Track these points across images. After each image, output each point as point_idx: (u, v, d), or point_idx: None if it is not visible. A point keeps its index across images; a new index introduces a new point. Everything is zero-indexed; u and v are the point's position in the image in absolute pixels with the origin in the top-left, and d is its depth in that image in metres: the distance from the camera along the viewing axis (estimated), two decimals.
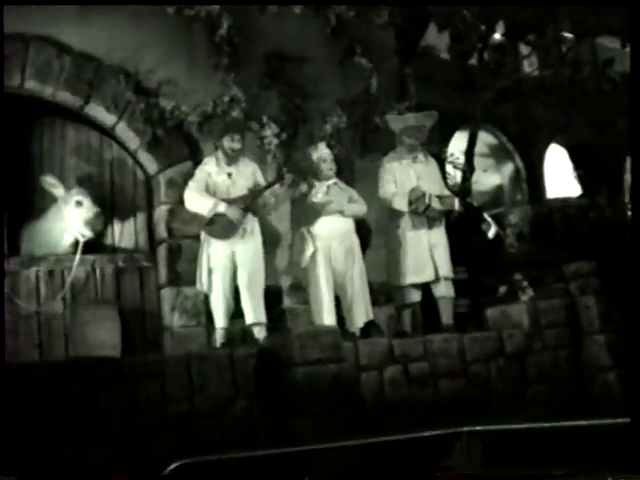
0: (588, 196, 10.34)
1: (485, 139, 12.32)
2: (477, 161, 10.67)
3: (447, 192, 7.63)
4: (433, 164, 7.72)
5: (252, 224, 6.88)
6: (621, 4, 8.03)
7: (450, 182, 9.57)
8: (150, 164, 7.72)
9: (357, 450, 5.54)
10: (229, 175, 6.92)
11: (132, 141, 7.66)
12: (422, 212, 7.29)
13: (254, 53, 7.95)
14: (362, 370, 6.33)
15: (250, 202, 6.77)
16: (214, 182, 6.90)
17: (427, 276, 7.35)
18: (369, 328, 7.23)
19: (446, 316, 7.42)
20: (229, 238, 6.73)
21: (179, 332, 7.33)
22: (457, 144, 11.00)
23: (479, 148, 12.03)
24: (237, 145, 6.90)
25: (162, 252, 7.60)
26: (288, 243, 7.63)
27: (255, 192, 6.82)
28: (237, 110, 7.66)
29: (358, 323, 7.13)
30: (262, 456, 5.33)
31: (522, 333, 7.14)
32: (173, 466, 4.81)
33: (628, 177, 13.00)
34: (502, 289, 8.21)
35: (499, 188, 12.93)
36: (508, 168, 12.80)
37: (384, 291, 7.78)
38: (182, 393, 5.71)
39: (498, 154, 12.74)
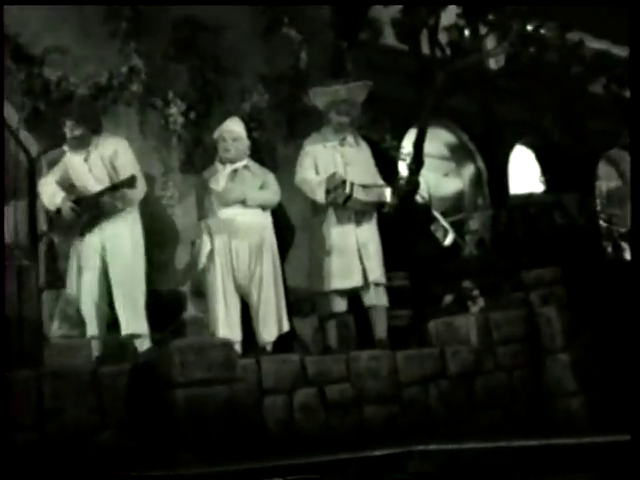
0: (553, 193, 9.40)
1: (445, 137, 11.56)
2: (437, 164, 9.82)
3: (380, 182, 6.50)
4: (365, 149, 6.64)
5: (130, 216, 5.98)
6: (621, 4, 7.20)
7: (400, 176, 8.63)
8: (31, 144, 6.78)
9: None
10: (85, 159, 6.05)
11: (12, 117, 6.68)
12: (342, 203, 6.22)
13: (161, 19, 7.11)
14: (265, 393, 5.31)
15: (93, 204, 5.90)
16: (73, 168, 6.07)
17: (354, 281, 6.29)
18: (291, 343, 6.27)
19: (379, 329, 6.39)
20: (71, 235, 6.06)
21: (59, 343, 6.28)
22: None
23: (438, 149, 11.31)
24: (76, 132, 5.99)
25: (43, 248, 6.65)
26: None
27: (89, 198, 5.91)
28: (136, 83, 6.74)
29: (267, 336, 6.04)
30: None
31: (469, 350, 6.27)
32: None
33: (600, 184, 12.44)
34: (448, 298, 7.24)
35: (460, 193, 12.04)
36: (469, 170, 12.03)
37: (310, 298, 6.77)
38: (30, 419, 4.67)
39: (459, 154, 12.03)
